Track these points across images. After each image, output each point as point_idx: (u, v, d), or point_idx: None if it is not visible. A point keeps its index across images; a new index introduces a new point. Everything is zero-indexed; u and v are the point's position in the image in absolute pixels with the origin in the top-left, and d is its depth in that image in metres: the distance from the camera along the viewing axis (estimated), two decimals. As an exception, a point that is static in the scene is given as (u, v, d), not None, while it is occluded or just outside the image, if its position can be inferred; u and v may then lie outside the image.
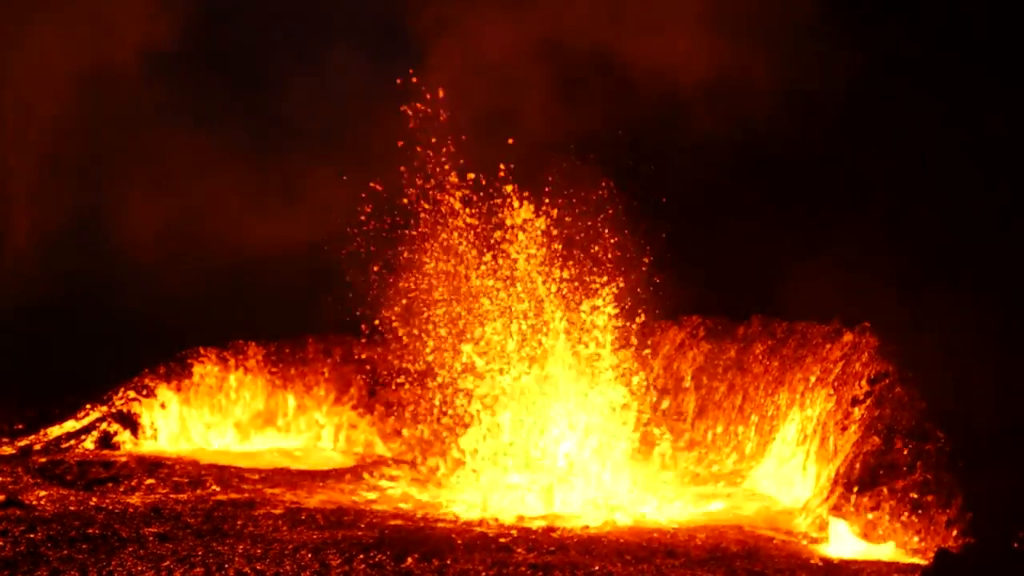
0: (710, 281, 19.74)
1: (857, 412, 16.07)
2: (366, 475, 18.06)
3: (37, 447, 18.26)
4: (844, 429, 16.15)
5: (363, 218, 19.26)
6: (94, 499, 15.17)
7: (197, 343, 20.52)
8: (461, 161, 18.95)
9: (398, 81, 19.57)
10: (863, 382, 16.33)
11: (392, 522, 14.61)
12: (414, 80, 19.41)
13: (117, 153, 22.28)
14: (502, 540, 13.75)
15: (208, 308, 20.98)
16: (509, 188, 18.57)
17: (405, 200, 19.04)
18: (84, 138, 22.02)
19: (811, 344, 18.06)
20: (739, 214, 19.63)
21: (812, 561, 13.55)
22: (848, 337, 17.37)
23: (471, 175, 18.92)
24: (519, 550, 13.29)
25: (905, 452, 14.75)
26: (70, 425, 18.85)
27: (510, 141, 19.25)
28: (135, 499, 15.34)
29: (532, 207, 18.40)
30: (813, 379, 17.52)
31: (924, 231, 17.86)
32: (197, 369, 20.22)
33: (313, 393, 20.79)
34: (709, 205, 19.91)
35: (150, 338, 20.59)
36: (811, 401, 17.35)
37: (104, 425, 18.72)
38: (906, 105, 19.15)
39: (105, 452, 18.14)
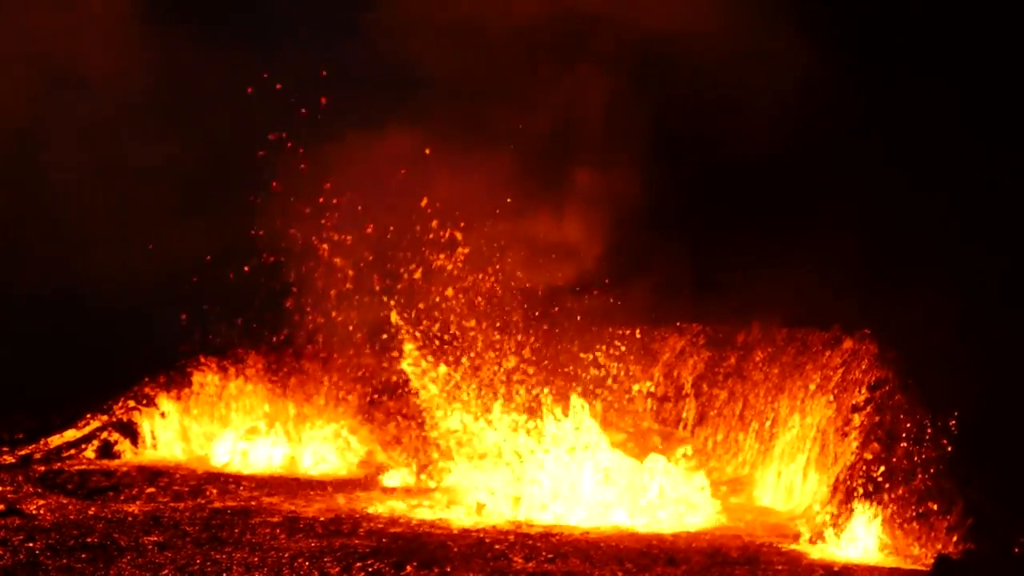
0: (709, 287, 19.71)
1: (857, 419, 16.06)
2: (365, 483, 18.07)
3: (37, 456, 18.26)
4: (844, 436, 16.14)
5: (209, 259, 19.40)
6: (93, 508, 15.14)
7: (196, 352, 20.55)
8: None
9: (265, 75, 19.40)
10: (863, 389, 16.31)
11: (391, 530, 14.56)
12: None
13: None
14: (499, 547, 13.71)
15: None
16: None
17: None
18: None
19: (811, 351, 18.05)
20: (736, 219, 19.59)
21: (813, 568, 13.51)
22: (848, 344, 17.36)
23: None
24: (517, 558, 13.25)
25: (905, 459, 14.72)
26: (70, 434, 18.84)
27: (427, 152, 19.07)
28: (134, 508, 15.31)
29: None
30: (813, 386, 17.50)
31: (924, 236, 17.85)
32: (197, 378, 20.22)
33: (313, 401, 20.78)
34: (704, 210, 19.88)
35: (149, 347, 20.54)
36: (811, 408, 17.33)
37: (104, 434, 18.73)
38: (905, 107, 19.16)
39: (105, 461, 18.14)
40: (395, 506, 16.37)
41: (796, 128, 18.87)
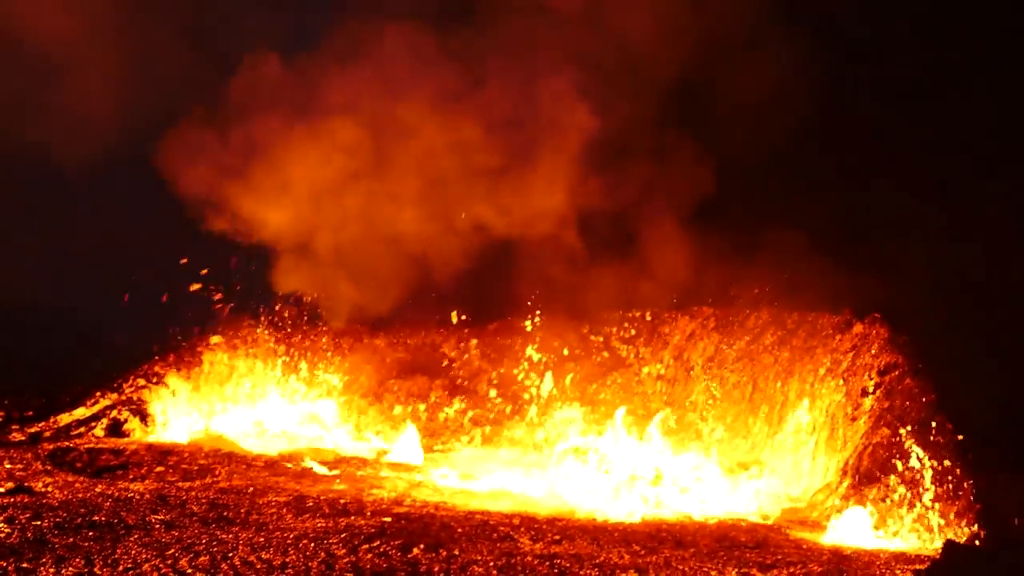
0: (721, 270, 19.66)
1: (867, 403, 16.04)
2: (373, 462, 18.08)
3: (47, 434, 18.19)
4: (853, 420, 16.12)
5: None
6: (101, 486, 15.07)
7: (206, 331, 20.59)
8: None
9: None
10: (873, 373, 16.29)
11: (396, 510, 14.51)
12: None
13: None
14: (504, 529, 13.64)
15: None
16: None
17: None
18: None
19: (821, 335, 18.02)
20: (747, 204, 19.55)
21: (822, 552, 13.48)
22: (858, 328, 17.32)
23: None
24: (523, 539, 13.22)
25: (914, 444, 14.69)
26: (80, 412, 18.77)
27: None
28: (142, 487, 15.27)
29: None
30: (823, 370, 17.47)
31: (936, 228, 17.83)
32: (207, 356, 20.20)
33: (322, 381, 20.80)
34: (717, 195, 19.82)
35: (160, 325, 20.53)
36: (821, 392, 17.30)
37: (114, 412, 18.65)
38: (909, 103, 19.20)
39: (114, 439, 18.08)
40: (401, 486, 16.34)
41: (802, 118, 18.88)
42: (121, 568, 11.61)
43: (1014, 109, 18.45)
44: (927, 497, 14.09)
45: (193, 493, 14.87)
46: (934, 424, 14.73)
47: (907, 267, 17.09)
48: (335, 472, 17.05)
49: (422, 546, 12.59)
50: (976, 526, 13.36)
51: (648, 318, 20.53)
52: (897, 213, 18.21)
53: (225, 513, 13.91)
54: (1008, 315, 16.21)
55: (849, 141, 19.28)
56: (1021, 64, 18.77)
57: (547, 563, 12.28)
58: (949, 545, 12.83)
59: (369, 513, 14.29)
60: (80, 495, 14.51)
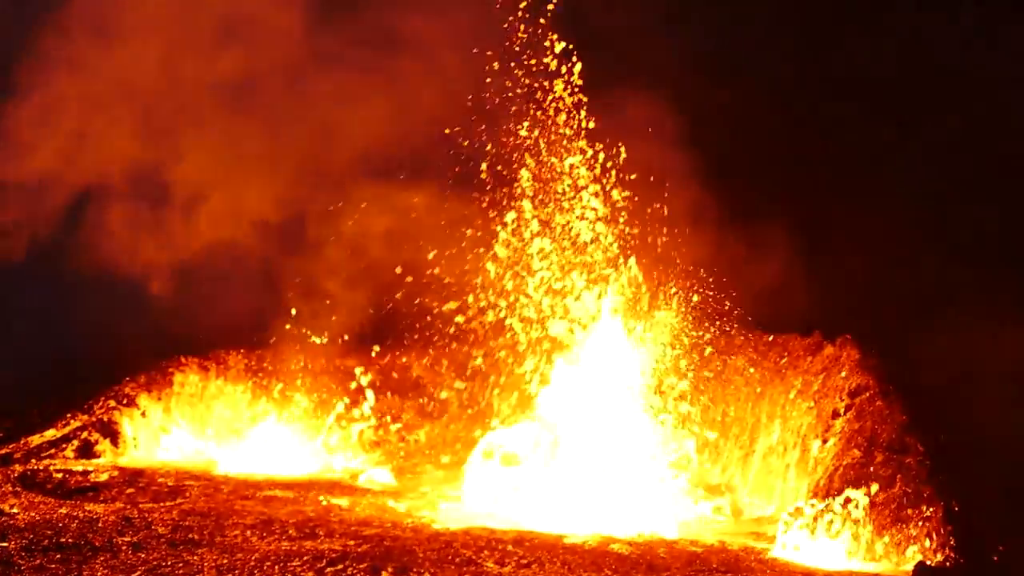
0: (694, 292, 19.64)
1: (837, 424, 16.04)
2: (342, 485, 18.04)
3: (17, 455, 18.11)
4: (824, 442, 16.12)
5: None
6: (69, 508, 14.99)
7: (178, 352, 20.52)
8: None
9: None
10: (843, 395, 16.31)
11: (364, 533, 14.40)
12: None
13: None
14: (467, 552, 13.56)
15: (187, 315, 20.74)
16: None
17: None
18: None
19: (792, 356, 18.05)
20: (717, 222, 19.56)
21: (794, 575, 13.47)
22: (829, 350, 17.36)
23: None
24: (489, 562, 13.16)
25: (885, 465, 14.69)
26: (50, 434, 18.70)
27: None
28: (111, 508, 15.17)
29: None
30: (794, 392, 17.49)
31: (907, 245, 17.88)
32: (178, 378, 20.17)
33: (293, 402, 20.75)
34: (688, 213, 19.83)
35: (131, 346, 20.43)
36: (792, 414, 17.32)
37: (84, 434, 18.58)
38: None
39: (85, 461, 18.02)
40: (369, 509, 16.27)
41: (780, 127, 18.92)
42: (86, 591, 11.61)
43: (985, 122, 18.53)
44: (898, 519, 14.07)
45: (162, 515, 14.77)
46: (904, 445, 14.74)
47: (878, 288, 17.14)
48: (303, 495, 16.95)
49: (390, 569, 12.54)
50: (947, 549, 13.35)
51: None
52: (868, 232, 18.27)
53: (191, 535, 13.83)
54: (980, 336, 16.26)
55: (818, 156, 19.35)
56: (993, 78, 18.88)
57: (515, 586, 12.29)
58: (920, 568, 12.85)
59: (336, 536, 14.19)
60: (48, 516, 14.43)
